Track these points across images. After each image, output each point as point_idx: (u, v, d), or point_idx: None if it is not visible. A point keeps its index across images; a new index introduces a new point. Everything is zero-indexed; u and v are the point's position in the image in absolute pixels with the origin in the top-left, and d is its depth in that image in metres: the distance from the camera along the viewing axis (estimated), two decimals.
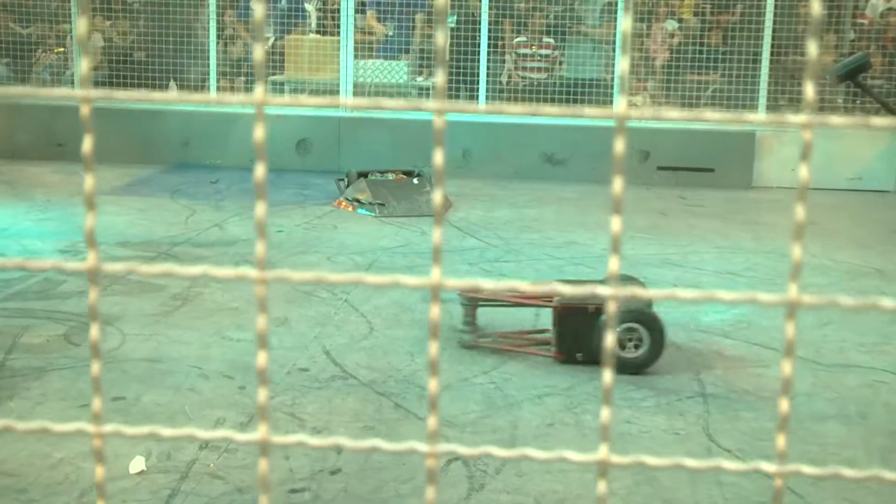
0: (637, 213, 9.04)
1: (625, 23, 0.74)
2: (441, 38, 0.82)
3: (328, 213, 8.67)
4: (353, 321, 5.75)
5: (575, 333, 4.97)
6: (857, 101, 10.18)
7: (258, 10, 0.84)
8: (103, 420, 0.93)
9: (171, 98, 0.89)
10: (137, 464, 3.81)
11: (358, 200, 8.75)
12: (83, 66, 0.88)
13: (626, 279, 5.14)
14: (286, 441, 0.83)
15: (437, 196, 0.88)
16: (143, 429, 0.85)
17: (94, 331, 0.93)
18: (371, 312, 5.90)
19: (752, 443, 4.19)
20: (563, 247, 7.72)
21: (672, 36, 10.87)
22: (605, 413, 0.76)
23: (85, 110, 0.84)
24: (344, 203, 8.85)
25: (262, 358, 0.82)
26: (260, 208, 0.82)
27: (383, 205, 8.67)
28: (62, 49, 10.98)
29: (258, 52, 0.86)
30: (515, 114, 0.76)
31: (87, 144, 0.86)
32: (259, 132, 0.86)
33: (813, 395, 4.78)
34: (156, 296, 6.09)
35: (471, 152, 10.54)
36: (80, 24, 0.86)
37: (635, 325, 4.92)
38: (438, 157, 0.85)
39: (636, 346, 4.93)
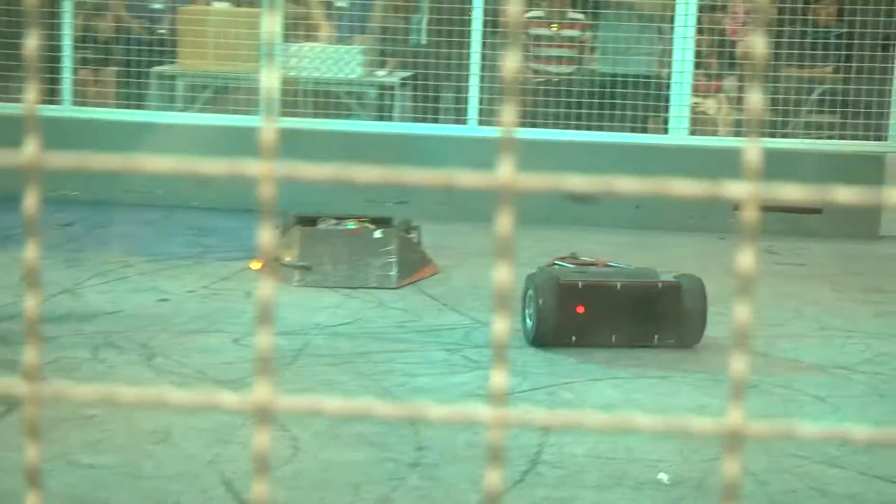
0: (704, 274, 9.11)
1: None
2: None
3: (238, 273, 8.74)
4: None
5: None
6: None
7: None
8: None
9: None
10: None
11: (280, 261, 8.42)
12: None
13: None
14: None
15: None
16: None
17: None
18: (296, 423, 5.95)
19: None
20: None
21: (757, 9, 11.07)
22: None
23: None
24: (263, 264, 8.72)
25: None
26: (31, 302, 0.90)
27: (308, 268, 8.45)
28: None
29: None
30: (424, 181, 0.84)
31: None
32: None
33: None
34: None
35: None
36: None
37: None
38: (267, 216, 0.93)
39: None
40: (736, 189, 0.86)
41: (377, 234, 8.76)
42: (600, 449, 5.85)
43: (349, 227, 8.94)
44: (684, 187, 0.87)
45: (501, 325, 0.88)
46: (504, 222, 0.87)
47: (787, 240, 10.19)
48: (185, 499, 5.12)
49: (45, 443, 5.55)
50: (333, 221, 9.02)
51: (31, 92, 0.96)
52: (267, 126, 0.91)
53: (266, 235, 0.91)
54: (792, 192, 0.88)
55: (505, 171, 0.86)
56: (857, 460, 5.80)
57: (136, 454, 5.56)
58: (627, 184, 0.88)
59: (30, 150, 0.94)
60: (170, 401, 0.93)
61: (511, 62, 0.90)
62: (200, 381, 6.41)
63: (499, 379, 0.89)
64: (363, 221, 9.00)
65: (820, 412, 6.40)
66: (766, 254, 9.92)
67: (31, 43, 0.95)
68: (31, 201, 0.95)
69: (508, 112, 0.89)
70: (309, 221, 8.95)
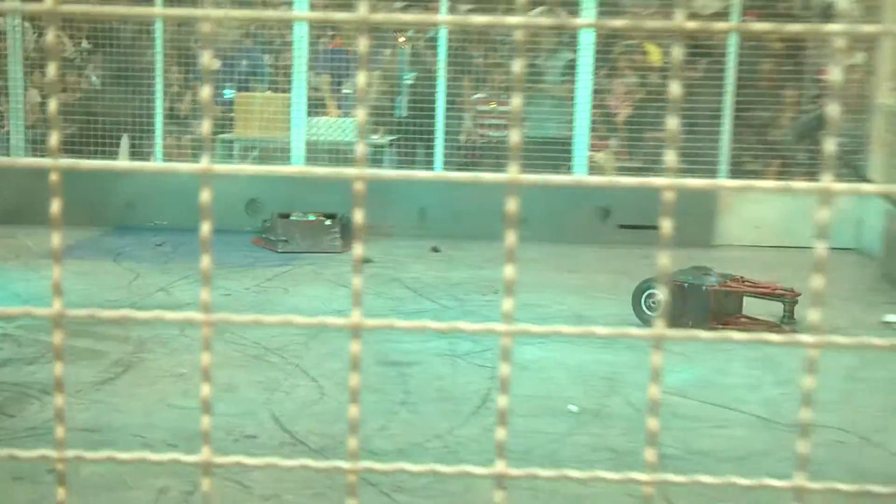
0: (599, 272, 9.29)
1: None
2: (363, 81, 1.03)
3: (279, 276, 8.82)
4: (303, 386, 5.88)
5: None
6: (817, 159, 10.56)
7: (205, 60, 1.06)
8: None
9: (122, 166, 1.10)
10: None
11: (269, 238, 10.02)
12: (53, 138, 1.09)
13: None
14: None
15: (356, 250, 1.08)
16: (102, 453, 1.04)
17: (58, 369, 1.12)
18: (323, 377, 6.04)
19: (709, 503, 4.38)
20: (521, 308, 7.89)
21: (631, 91, 11.25)
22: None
23: (54, 178, 1.04)
24: (261, 241, 10.05)
25: (205, 390, 1.00)
26: (205, 261, 1.02)
27: (287, 241, 9.88)
28: None
29: (205, 125, 1.07)
30: (460, 179, 0.97)
31: (56, 207, 1.06)
32: (205, 196, 1.07)
33: (769, 455, 4.99)
34: (95, 363, 6.18)
35: (427, 211, 10.77)
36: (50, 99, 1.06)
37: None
38: (358, 216, 1.06)
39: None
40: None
41: (327, 222, 10.09)
42: (534, 391, 5.95)
43: (310, 218, 10.13)
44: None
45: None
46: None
47: (653, 248, 10.26)
48: (247, 429, 5.19)
49: (148, 391, 5.63)
50: (300, 214, 10.20)
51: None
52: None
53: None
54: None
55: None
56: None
57: (212, 400, 5.62)
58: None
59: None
60: (295, 322, 1.03)
61: None
62: (255, 347, 6.49)
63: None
64: (318, 215, 10.17)
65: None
66: (641, 258, 10.07)
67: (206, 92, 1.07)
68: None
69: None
70: (285, 215, 10.09)
